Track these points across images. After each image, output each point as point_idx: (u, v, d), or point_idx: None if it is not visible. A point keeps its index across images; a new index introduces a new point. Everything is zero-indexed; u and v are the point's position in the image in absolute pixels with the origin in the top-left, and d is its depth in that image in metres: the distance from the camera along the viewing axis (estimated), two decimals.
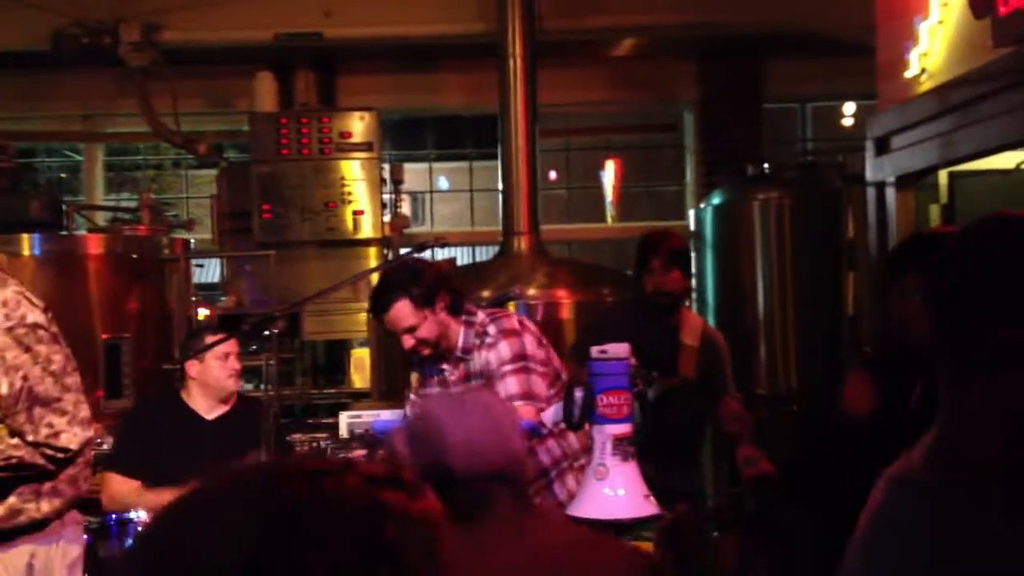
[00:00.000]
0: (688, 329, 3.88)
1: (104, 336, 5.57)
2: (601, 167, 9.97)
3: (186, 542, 0.66)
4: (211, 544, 0.65)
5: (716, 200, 6.72)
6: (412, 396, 3.35)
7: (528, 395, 3.02)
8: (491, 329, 3.18)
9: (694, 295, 7.69)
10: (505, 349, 3.11)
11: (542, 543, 1.82)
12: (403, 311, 3.06)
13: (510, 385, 3.04)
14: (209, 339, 3.74)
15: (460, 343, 3.16)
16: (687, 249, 3.95)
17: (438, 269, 3.24)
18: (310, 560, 0.65)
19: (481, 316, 3.23)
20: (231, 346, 3.78)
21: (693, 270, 7.49)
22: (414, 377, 3.32)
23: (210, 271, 9.53)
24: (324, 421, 5.60)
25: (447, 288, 3.14)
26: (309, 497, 0.67)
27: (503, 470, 1.86)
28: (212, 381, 3.76)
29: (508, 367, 3.08)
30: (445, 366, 3.21)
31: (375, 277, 6.25)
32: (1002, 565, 1.14)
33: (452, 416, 1.90)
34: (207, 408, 3.79)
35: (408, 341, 3.10)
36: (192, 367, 3.79)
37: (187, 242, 6.63)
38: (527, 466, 1.99)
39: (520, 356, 3.09)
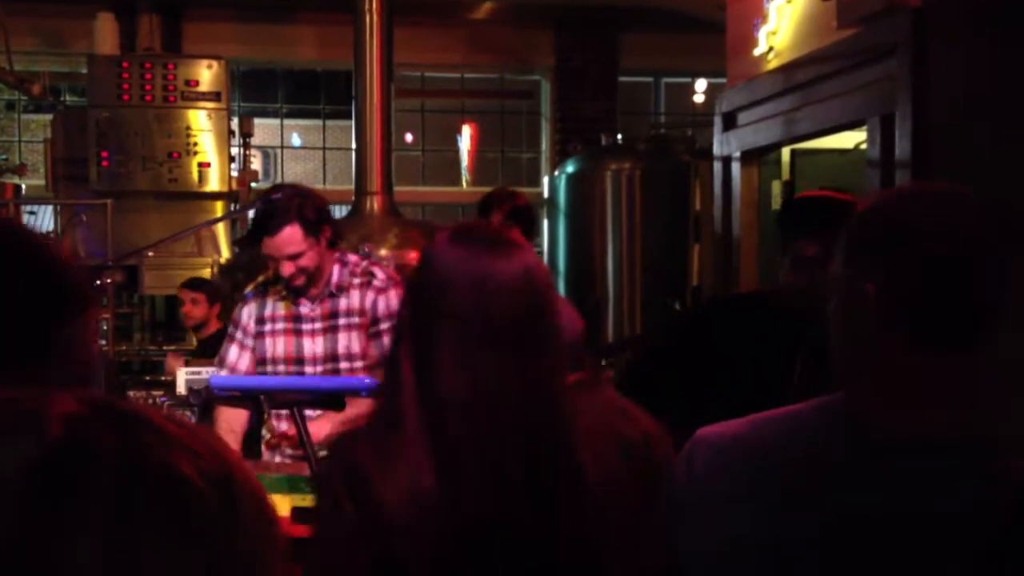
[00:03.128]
0: None
1: None
2: (458, 131, 9.93)
3: None
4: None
5: (570, 168, 6.80)
6: (238, 334, 3.20)
7: None
8: (378, 273, 3.14)
9: (545, 260, 7.76)
10: (395, 300, 3.07)
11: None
12: (293, 236, 2.96)
13: None
14: None
15: (335, 279, 3.10)
16: (532, 211, 4.03)
17: (323, 200, 3.15)
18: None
19: (354, 257, 3.19)
20: None
21: (546, 237, 7.59)
22: (243, 310, 3.19)
23: (43, 220, 9.06)
24: (163, 378, 5.41)
25: (330, 220, 3.08)
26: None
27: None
28: None
29: (392, 322, 3.08)
30: (304, 301, 3.12)
31: (220, 226, 6.05)
32: None
33: None
34: None
35: (288, 268, 3.00)
36: None
37: (17, 187, 6.30)
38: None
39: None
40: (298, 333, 3.12)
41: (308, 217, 2.97)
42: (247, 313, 3.18)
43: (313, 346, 3.11)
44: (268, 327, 3.15)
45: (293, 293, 3.11)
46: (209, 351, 4.78)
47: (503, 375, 1.46)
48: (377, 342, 3.10)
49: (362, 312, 3.10)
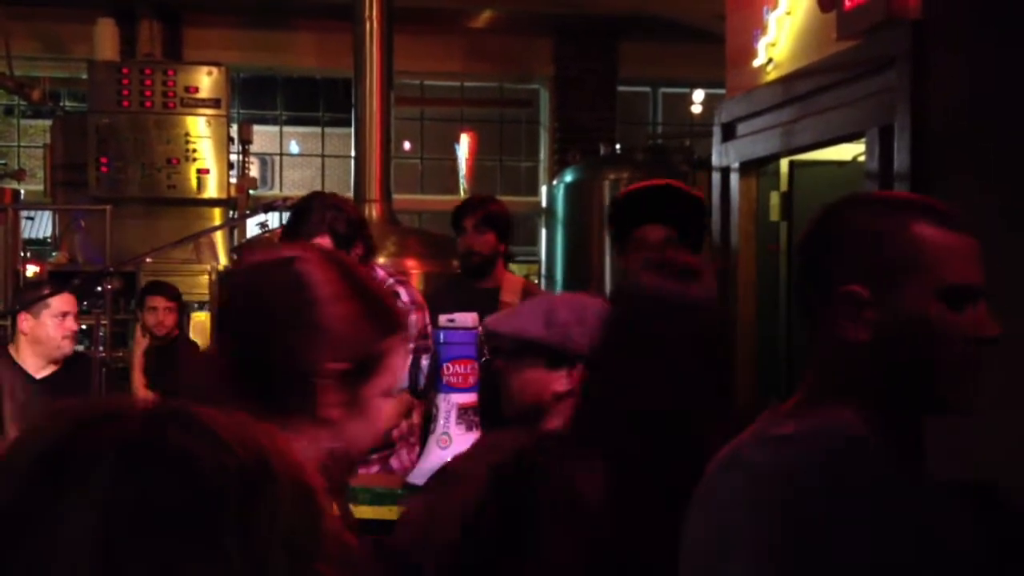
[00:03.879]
0: (508, 288, 3.92)
1: None
2: (456, 139, 9.94)
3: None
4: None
5: (568, 177, 6.81)
6: None
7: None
8: (403, 294, 3.10)
9: (543, 270, 7.76)
10: (416, 323, 3.07)
11: None
12: None
13: (420, 362, 3.00)
14: (48, 302, 3.53)
15: None
16: (506, 216, 3.99)
17: (360, 215, 3.09)
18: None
19: (382, 273, 3.15)
20: (70, 304, 3.57)
21: (544, 246, 7.59)
22: None
23: (41, 225, 9.07)
24: None
25: (364, 236, 3.02)
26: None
27: None
28: (45, 339, 3.54)
29: (415, 344, 3.04)
30: None
31: (219, 234, 6.03)
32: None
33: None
34: (36, 367, 3.57)
35: None
36: (25, 321, 3.55)
37: (16, 192, 6.30)
38: None
39: (425, 334, 3.05)
40: None
41: (339, 231, 2.90)
42: None
43: None
44: None
45: None
46: (169, 356, 4.79)
47: (675, 392, 1.63)
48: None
49: None
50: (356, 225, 2.98)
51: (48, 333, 3.54)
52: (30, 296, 3.63)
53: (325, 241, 2.90)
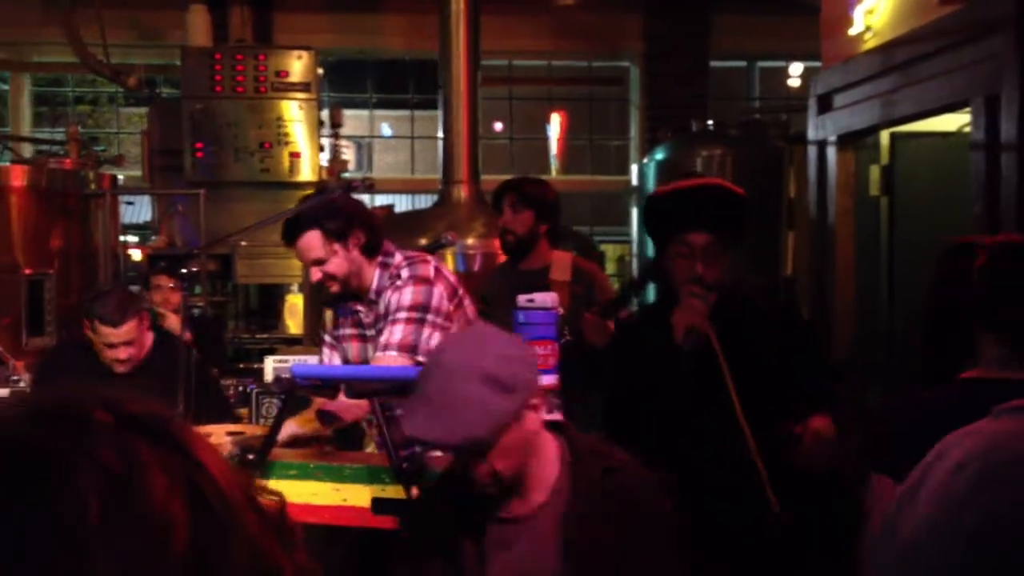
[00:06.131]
0: (558, 266, 3.85)
1: (27, 272, 5.40)
2: (546, 119, 9.86)
3: None
4: None
5: (659, 155, 6.69)
6: (326, 336, 3.25)
7: (410, 347, 2.88)
8: (404, 272, 3.04)
9: (634, 249, 7.66)
10: (408, 296, 2.97)
11: None
12: (312, 242, 2.96)
13: (395, 332, 2.91)
14: (98, 326, 3.53)
15: (374, 284, 3.06)
16: (545, 195, 3.91)
17: (358, 207, 3.11)
18: None
19: (398, 258, 3.09)
20: (116, 336, 3.54)
21: (634, 225, 7.48)
22: (328, 315, 3.24)
23: (142, 210, 9.31)
24: (253, 366, 5.49)
25: (364, 226, 3.01)
26: None
27: None
28: (100, 352, 3.61)
29: (403, 314, 2.95)
30: (359, 307, 3.10)
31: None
32: None
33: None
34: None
35: (315, 274, 3.01)
36: (87, 329, 3.61)
37: (114, 178, 6.44)
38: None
39: (421, 307, 2.95)
40: (363, 339, 3.12)
41: (329, 226, 2.94)
42: (329, 317, 3.23)
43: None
44: (341, 332, 3.18)
45: (331, 300, 3.12)
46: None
47: None
48: (390, 328, 2.97)
49: (387, 316, 3.05)
50: (350, 218, 2.97)
51: (102, 350, 3.59)
52: (88, 308, 3.62)
53: (315, 235, 2.93)
